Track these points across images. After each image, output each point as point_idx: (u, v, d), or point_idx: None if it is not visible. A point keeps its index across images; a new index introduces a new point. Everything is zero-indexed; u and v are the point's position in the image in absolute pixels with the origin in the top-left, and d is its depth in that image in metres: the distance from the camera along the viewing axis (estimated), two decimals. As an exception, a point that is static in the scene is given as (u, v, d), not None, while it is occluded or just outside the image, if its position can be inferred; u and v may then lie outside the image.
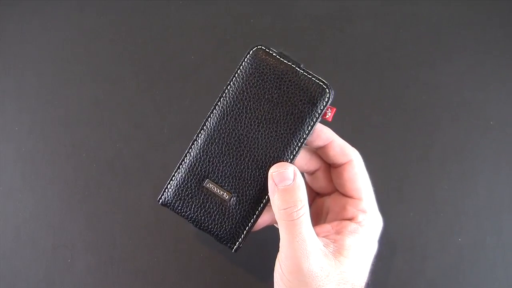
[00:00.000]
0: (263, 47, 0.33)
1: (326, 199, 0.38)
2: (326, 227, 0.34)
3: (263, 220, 0.34)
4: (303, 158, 0.35)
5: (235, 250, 0.34)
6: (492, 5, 0.52)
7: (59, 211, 0.47)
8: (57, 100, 0.50)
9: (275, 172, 0.31)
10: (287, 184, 0.30)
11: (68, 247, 0.46)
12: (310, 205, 0.39)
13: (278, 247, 0.33)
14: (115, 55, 0.51)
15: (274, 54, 0.32)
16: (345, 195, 0.35)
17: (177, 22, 0.52)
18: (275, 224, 0.38)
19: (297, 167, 0.34)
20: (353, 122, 0.49)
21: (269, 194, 0.32)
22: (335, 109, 0.33)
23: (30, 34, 0.52)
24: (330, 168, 0.36)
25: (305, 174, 0.38)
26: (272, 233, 0.45)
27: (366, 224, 0.33)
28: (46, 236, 0.46)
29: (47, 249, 0.46)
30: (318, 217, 0.38)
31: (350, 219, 0.34)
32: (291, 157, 0.32)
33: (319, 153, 0.36)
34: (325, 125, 0.34)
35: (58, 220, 0.47)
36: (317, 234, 0.31)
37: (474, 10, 0.52)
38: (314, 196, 0.39)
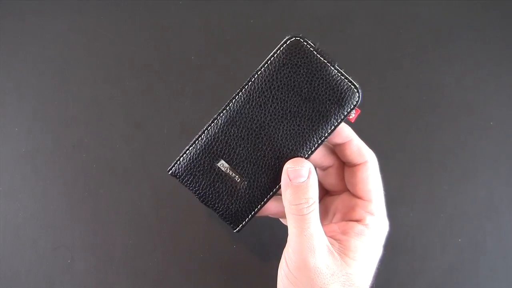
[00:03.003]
0: (300, 39, 0.32)
1: (335, 198, 0.38)
2: (332, 227, 0.34)
3: (268, 207, 0.35)
4: (319, 153, 0.35)
5: (237, 231, 0.34)
6: (492, 5, 0.52)
7: (59, 211, 0.47)
8: (57, 100, 0.50)
9: (291, 168, 0.31)
10: (301, 181, 0.31)
11: (68, 247, 0.46)
12: (319, 202, 0.39)
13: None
14: (115, 55, 0.51)
15: (311, 48, 0.32)
16: (355, 195, 0.35)
17: (177, 22, 0.52)
18: (281, 219, 0.38)
19: (312, 162, 0.34)
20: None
21: (281, 187, 0.32)
22: (359, 111, 0.33)
23: (30, 34, 0.52)
24: (344, 166, 0.37)
25: (317, 169, 0.38)
26: (272, 233, 0.45)
27: (373, 227, 0.33)
28: (46, 236, 0.46)
29: (47, 249, 0.46)
30: (325, 216, 0.38)
31: (357, 221, 0.34)
32: (309, 152, 0.32)
33: (336, 150, 0.36)
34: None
35: (58, 220, 0.47)
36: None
37: (474, 10, 0.52)
38: (323, 194, 0.40)
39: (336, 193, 0.38)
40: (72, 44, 0.51)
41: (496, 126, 0.49)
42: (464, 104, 0.49)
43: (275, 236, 0.45)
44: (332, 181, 0.37)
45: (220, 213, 0.34)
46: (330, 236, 0.33)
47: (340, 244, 0.32)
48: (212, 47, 0.51)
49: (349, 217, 0.35)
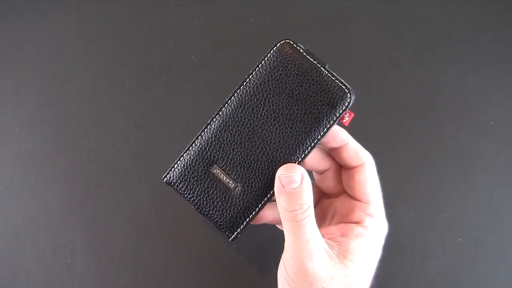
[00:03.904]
0: (290, 42, 0.32)
1: (333, 201, 0.38)
2: (331, 229, 0.34)
3: (265, 215, 0.34)
4: (315, 157, 0.35)
5: (232, 239, 0.34)
6: (492, 6, 0.52)
7: (59, 211, 0.47)
8: (57, 100, 0.50)
9: (283, 174, 0.31)
10: (294, 187, 0.30)
11: (68, 247, 0.46)
12: (316, 205, 0.38)
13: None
14: (115, 55, 0.51)
15: (300, 50, 0.32)
16: (353, 198, 0.35)
17: (177, 22, 0.52)
18: (277, 225, 0.38)
19: (308, 166, 0.34)
20: (352, 122, 0.49)
21: (275, 194, 0.32)
22: (353, 114, 0.32)
23: (30, 34, 0.52)
24: (341, 169, 0.36)
25: (313, 173, 0.38)
26: (272, 233, 0.45)
27: (372, 229, 0.33)
28: (46, 236, 0.46)
29: (47, 249, 0.46)
30: (323, 219, 0.38)
31: (356, 223, 0.34)
32: (302, 156, 0.32)
33: (332, 153, 0.36)
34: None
35: (58, 220, 0.47)
36: (322, 236, 0.31)
37: (474, 10, 0.52)
38: (321, 196, 0.39)
39: (333, 195, 0.38)
40: (72, 44, 0.51)
41: (496, 126, 0.49)
42: (464, 104, 0.49)
43: (275, 236, 0.45)
44: (329, 184, 0.37)
45: (215, 220, 0.33)
46: (329, 238, 0.33)
47: (339, 246, 0.32)
48: (212, 47, 0.51)
49: (348, 219, 0.34)
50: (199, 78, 0.50)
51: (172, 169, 0.34)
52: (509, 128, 0.49)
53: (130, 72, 0.50)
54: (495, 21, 0.52)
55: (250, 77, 0.32)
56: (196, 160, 0.33)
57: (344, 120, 0.32)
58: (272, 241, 0.46)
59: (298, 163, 0.32)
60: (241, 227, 0.33)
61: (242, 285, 0.46)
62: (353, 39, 0.51)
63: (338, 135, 0.33)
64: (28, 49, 0.51)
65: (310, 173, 0.35)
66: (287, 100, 0.32)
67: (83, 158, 0.48)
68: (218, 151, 0.33)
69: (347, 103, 0.32)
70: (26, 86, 0.50)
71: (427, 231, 0.46)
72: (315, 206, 0.34)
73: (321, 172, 0.37)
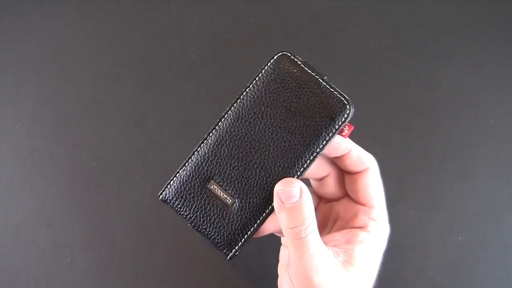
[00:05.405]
0: (288, 54, 0.32)
1: (333, 205, 0.37)
2: (335, 236, 0.33)
3: (266, 228, 0.34)
4: (313, 165, 0.34)
5: (230, 258, 0.33)
6: (492, 5, 0.52)
7: (59, 210, 0.47)
8: (57, 100, 0.50)
9: (281, 190, 0.30)
10: (293, 202, 0.30)
11: (68, 246, 0.46)
12: (315, 211, 0.38)
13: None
14: (115, 53, 0.51)
15: (298, 62, 0.31)
16: (357, 202, 0.35)
17: (177, 21, 0.52)
18: (276, 234, 0.37)
19: (306, 174, 0.33)
20: (352, 121, 0.49)
21: (275, 211, 0.31)
22: (353, 127, 0.32)
23: (30, 34, 0.52)
24: (344, 174, 0.36)
25: (310, 179, 0.37)
26: (272, 233, 0.45)
27: (375, 233, 0.33)
28: (46, 235, 0.46)
29: (47, 248, 0.46)
30: (324, 225, 0.37)
31: (360, 227, 0.33)
32: (301, 169, 0.31)
33: (335, 161, 0.35)
34: None
35: (58, 219, 0.47)
36: (327, 243, 0.31)
37: (474, 9, 0.52)
38: (318, 201, 0.39)
39: (333, 200, 0.37)
40: (72, 43, 0.52)
41: (496, 125, 0.49)
42: (464, 102, 0.49)
43: (275, 236, 0.45)
44: (329, 189, 0.36)
45: (212, 238, 0.32)
46: (334, 246, 0.32)
47: (344, 253, 0.31)
48: (212, 46, 0.51)
49: (352, 224, 0.34)
50: (199, 77, 0.50)
51: (168, 186, 0.33)
52: (509, 126, 0.49)
53: (130, 71, 0.50)
54: (494, 19, 0.52)
55: (247, 90, 0.32)
56: (193, 176, 0.32)
57: (344, 133, 0.32)
58: (272, 241, 0.46)
59: (297, 177, 0.31)
60: (239, 245, 0.32)
61: (242, 285, 0.46)
62: (353, 38, 0.51)
63: (340, 146, 0.33)
64: (28, 47, 0.51)
65: (307, 180, 0.34)
66: (285, 113, 0.31)
67: (83, 156, 0.48)
68: (215, 166, 0.32)
69: (346, 115, 0.31)
70: (26, 84, 0.50)
71: (427, 230, 0.46)
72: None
73: (320, 179, 0.36)
